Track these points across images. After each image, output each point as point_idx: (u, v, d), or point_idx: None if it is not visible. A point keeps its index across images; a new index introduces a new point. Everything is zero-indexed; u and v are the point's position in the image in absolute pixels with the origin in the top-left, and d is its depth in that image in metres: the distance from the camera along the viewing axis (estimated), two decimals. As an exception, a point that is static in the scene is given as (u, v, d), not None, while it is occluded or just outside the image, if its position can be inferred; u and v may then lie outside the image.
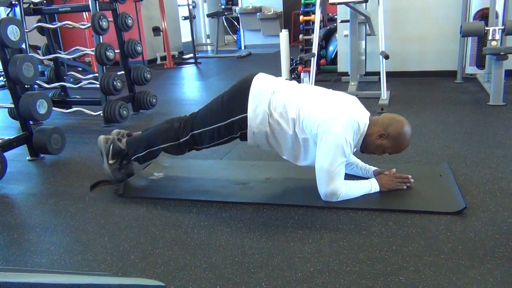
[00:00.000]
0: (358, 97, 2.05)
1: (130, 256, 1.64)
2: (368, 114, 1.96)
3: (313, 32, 4.70)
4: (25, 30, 3.60)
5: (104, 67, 3.59)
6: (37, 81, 3.83)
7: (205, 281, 1.46)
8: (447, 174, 2.16)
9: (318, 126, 1.84)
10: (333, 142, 1.81)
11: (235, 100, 2.00)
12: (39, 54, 4.04)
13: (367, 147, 1.96)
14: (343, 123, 1.82)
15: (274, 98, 1.94)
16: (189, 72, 6.73)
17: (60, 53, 4.00)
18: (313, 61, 3.97)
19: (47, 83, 4.06)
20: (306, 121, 1.87)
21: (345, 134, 1.81)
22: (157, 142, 2.17)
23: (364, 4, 3.83)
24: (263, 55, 8.03)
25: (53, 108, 3.02)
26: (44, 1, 3.85)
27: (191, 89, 5.35)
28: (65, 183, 2.42)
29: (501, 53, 3.43)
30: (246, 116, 1.95)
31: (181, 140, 2.11)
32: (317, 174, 1.90)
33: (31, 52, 3.86)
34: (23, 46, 3.56)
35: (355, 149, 2.01)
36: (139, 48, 3.89)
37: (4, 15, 3.81)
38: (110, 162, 2.26)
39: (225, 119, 2.00)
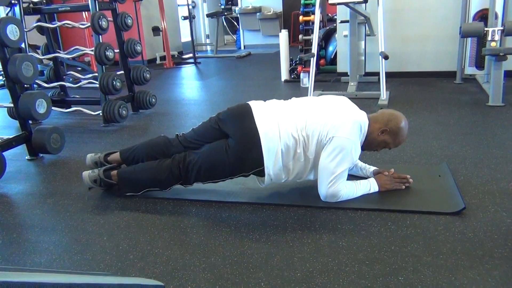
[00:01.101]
0: (357, 98, 2.07)
1: (129, 256, 1.64)
2: (365, 113, 1.98)
3: (312, 33, 4.70)
4: (25, 30, 3.60)
5: (103, 66, 3.58)
6: (36, 81, 3.82)
7: (204, 281, 1.46)
8: (446, 175, 2.16)
9: (327, 134, 1.84)
10: (342, 147, 1.84)
11: (247, 159, 1.91)
12: (38, 54, 4.04)
13: (369, 145, 1.99)
14: (349, 128, 1.85)
15: (283, 136, 1.88)
16: (188, 72, 6.73)
17: (59, 53, 3.99)
18: (313, 61, 3.97)
19: (47, 83, 4.05)
20: (314, 139, 1.87)
21: (354, 140, 1.86)
22: (157, 186, 2.07)
23: (363, 4, 3.83)
24: (262, 55, 8.03)
25: (53, 108, 3.02)
26: (44, 1, 3.85)
27: (190, 89, 5.35)
28: (64, 182, 2.42)
29: (501, 54, 3.44)
30: (262, 168, 1.90)
31: (185, 186, 2.05)
32: (319, 174, 1.90)
33: (30, 52, 3.85)
34: (23, 45, 3.55)
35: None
36: (138, 48, 3.89)
37: (3, 15, 3.80)
38: (104, 189, 2.22)
39: (237, 174, 1.96)
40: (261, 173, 1.93)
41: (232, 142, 1.92)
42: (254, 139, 1.87)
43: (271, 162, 1.89)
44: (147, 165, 2.11)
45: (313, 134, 1.87)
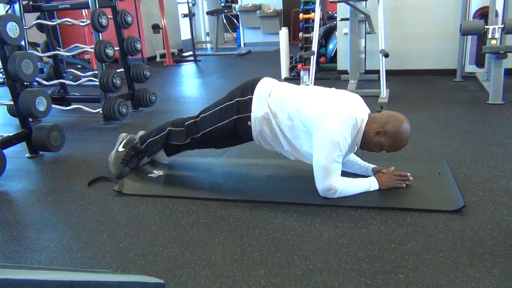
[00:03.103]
0: (357, 95, 2.06)
1: (129, 254, 1.64)
2: (368, 110, 1.97)
3: (312, 30, 4.70)
4: (24, 27, 3.59)
5: (103, 64, 3.58)
6: (36, 78, 3.80)
7: (204, 279, 1.46)
8: (446, 173, 2.16)
9: (314, 120, 1.86)
10: (328, 138, 1.82)
11: (242, 88, 2.10)
12: (38, 51, 4.04)
13: (365, 144, 1.96)
14: (339, 118, 1.83)
15: (274, 90, 2.04)
16: (188, 69, 6.73)
17: (59, 50, 3.99)
18: (313, 59, 3.97)
19: (47, 80, 4.05)
20: (303, 116, 1.91)
21: (341, 129, 1.82)
22: (165, 126, 2.31)
23: (364, 2, 3.83)
24: (262, 53, 8.02)
25: (53, 105, 3.02)
26: (43, -2, 3.84)
27: (190, 87, 5.35)
28: (65, 180, 2.42)
29: (501, 52, 3.43)
30: (251, 98, 2.04)
31: (185, 123, 2.22)
32: (314, 170, 1.92)
33: (30, 49, 3.85)
34: (22, 43, 3.54)
35: (356, 147, 2.01)
36: (138, 45, 3.88)
37: (3, 12, 3.79)
38: (120, 149, 2.36)
39: (229, 100, 2.10)
40: (248, 106, 2.03)
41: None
42: (253, 81, 2.11)
43: (260, 96, 2.02)
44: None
45: (303, 113, 1.92)
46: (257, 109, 2.02)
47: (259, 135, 2.06)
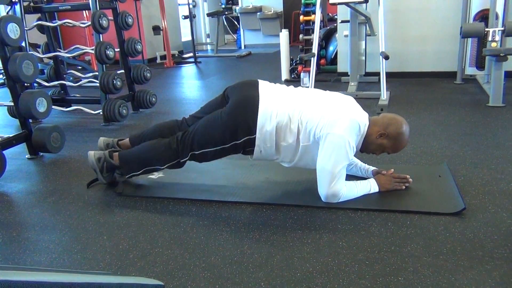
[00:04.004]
0: (357, 98, 2.06)
1: (129, 255, 1.64)
2: (367, 114, 1.97)
3: (313, 32, 4.69)
4: (25, 28, 3.59)
5: (104, 65, 3.58)
6: (36, 80, 3.81)
7: (204, 281, 1.46)
8: (446, 175, 2.16)
9: (322, 129, 1.84)
10: (336, 144, 1.82)
11: (240, 123, 1.91)
12: (39, 53, 4.04)
13: (367, 147, 1.97)
14: (345, 126, 1.83)
15: (279, 114, 1.89)
16: (189, 71, 6.73)
17: (60, 52, 3.99)
18: (313, 61, 3.97)
19: (47, 82, 4.05)
20: (309, 127, 1.87)
21: (348, 137, 1.83)
22: (155, 163, 2.08)
23: (364, 4, 3.83)
24: (263, 55, 8.03)
25: (53, 107, 3.02)
26: (44, 0, 3.85)
27: (190, 88, 5.35)
28: (64, 181, 2.42)
29: (501, 54, 3.44)
30: (254, 137, 1.91)
31: (180, 161, 2.04)
32: (318, 175, 1.90)
33: (31, 50, 3.86)
34: (23, 44, 3.55)
35: (356, 150, 2.01)
36: (139, 47, 3.88)
37: (4, 13, 3.80)
38: (105, 175, 2.22)
39: (228, 141, 1.95)
40: (252, 145, 1.93)
41: (228, 106, 1.96)
42: (252, 105, 1.90)
43: (264, 134, 1.89)
44: (147, 143, 2.13)
45: (308, 123, 1.87)
46: (262, 146, 1.93)
47: (261, 158, 2.03)
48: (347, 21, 4.32)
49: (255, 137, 1.90)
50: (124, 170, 2.17)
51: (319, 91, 2.08)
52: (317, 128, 1.85)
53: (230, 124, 1.93)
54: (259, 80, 2.07)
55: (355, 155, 2.19)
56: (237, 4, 9.40)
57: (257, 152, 1.95)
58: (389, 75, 4.10)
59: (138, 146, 2.17)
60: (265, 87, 2.00)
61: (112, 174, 2.25)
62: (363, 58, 4.76)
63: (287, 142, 1.91)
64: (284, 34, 5.13)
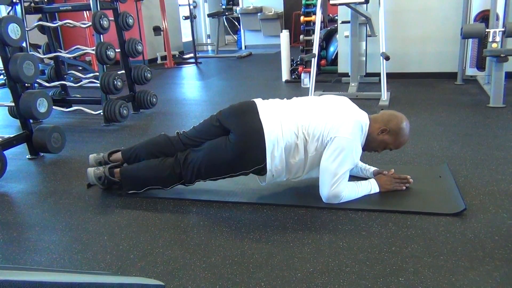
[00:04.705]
0: (358, 98, 2.07)
1: (129, 255, 1.64)
2: (366, 113, 1.98)
3: (313, 33, 4.70)
4: (26, 29, 3.60)
5: (104, 66, 3.58)
6: (37, 80, 3.82)
7: (204, 281, 1.46)
8: (446, 176, 2.16)
9: (328, 134, 1.84)
10: (343, 148, 1.83)
11: (248, 156, 1.90)
12: (39, 53, 4.04)
13: (369, 145, 1.98)
14: (351, 128, 1.84)
15: (285, 134, 1.87)
16: (189, 72, 6.73)
17: (60, 52, 4.00)
18: (314, 61, 3.97)
19: (48, 82, 4.06)
20: (315, 137, 1.87)
21: (355, 141, 1.85)
22: (159, 184, 2.07)
23: (364, 5, 3.83)
24: (263, 56, 8.03)
25: (53, 107, 3.02)
26: (45, 0, 3.85)
27: (191, 89, 5.36)
28: (65, 182, 2.42)
29: (502, 55, 3.44)
30: (263, 165, 1.89)
31: (186, 184, 2.04)
32: (321, 175, 1.90)
33: (31, 51, 3.86)
34: (24, 44, 3.56)
35: None
36: (139, 47, 3.89)
37: (5, 14, 3.81)
38: (106, 187, 2.21)
39: (237, 170, 1.94)
40: (262, 171, 1.93)
41: (233, 138, 1.91)
42: (258, 135, 1.86)
43: (273, 159, 1.88)
44: (149, 163, 2.11)
45: (314, 133, 1.87)
46: (274, 170, 1.92)
47: (273, 180, 2.02)
48: (348, 22, 4.32)
49: (265, 165, 1.89)
50: (126, 187, 2.14)
51: (314, 98, 2.08)
52: (324, 134, 1.85)
53: (237, 157, 1.91)
54: (255, 100, 2.01)
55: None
56: (237, 4, 9.40)
57: (269, 176, 1.95)
58: (389, 75, 4.10)
59: (139, 165, 2.13)
60: (264, 110, 1.93)
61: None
62: (364, 58, 4.76)
63: (295, 158, 1.91)
64: (284, 35, 5.13)
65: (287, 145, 1.88)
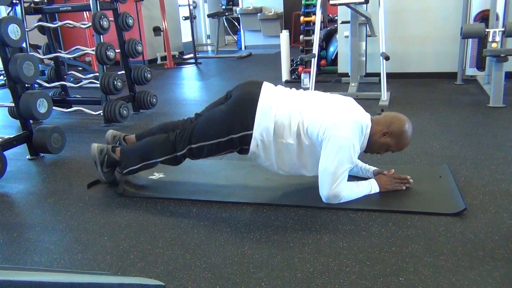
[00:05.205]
0: (358, 98, 2.06)
1: (129, 256, 1.64)
2: (369, 115, 1.97)
3: (313, 33, 4.70)
4: (26, 29, 3.60)
5: (104, 66, 3.59)
6: (37, 80, 3.82)
7: (204, 281, 1.46)
8: (447, 176, 2.16)
9: (325, 131, 1.83)
10: (341, 146, 1.82)
11: (239, 116, 1.93)
12: (39, 53, 4.04)
13: (371, 147, 1.97)
14: (350, 128, 1.83)
15: (279, 111, 1.91)
16: (189, 72, 6.74)
17: (60, 53, 4.00)
18: (314, 62, 3.97)
19: (48, 82, 4.06)
20: (311, 128, 1.87)
21: (352, 139, 1.83)
22: (153, 156, 2.08)
23: (364, 5, 3.83)
24: (263, 56, 8.03)
25: (53, 108, 3.02)
26: (45, 0, 3.85)
27: (191, 89, 5.36)
28: (65, 182, 2.42)
29: (502, 55, 3.44)
30: (251, 133, 1.91)
31: (177, 154, 2.03)
32: (320, 176, 1.89)
33: (31, 51, 3.86)
34: (24, 45, 3.56)
35: (360, 151, 2.01)
36: (139, 47, 3.89)
37: (5, 14, 3.81)
38: (105, 170, 2.23)
39: (225, 135, 1.94)
40: (248, 140, 1.92)
41: (230, 99, 1.99)
42: (251, 102, 1.92)
43: (262, 128, 1.89)
44: (148, 138, 2.17)
45: (310, 125, 1.87)
46: (260, 139, 1.92)
47: (257, 157, 2.02)
48: (348, 22, 4.32)
49: (252, 133, 1.90)
50: (123, 164, 2.17)
51: (320, 93, 2.08)
52: (320, 131, 1.84)
53: (228, 117, 1.94)
54: (264, 82, 2.07)
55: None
56: (237, 5, 9.41)
57: (253, 146, 1.93)
58: (389, 75, 4.10)
59: (140, 141, 2.22)
60: (268, 87, 2.02)
61: (112, 172, 2.25)
62: (364, 58, 4.76)
63: (286, 140, 1.90)
64: (284, 35, 5.13)
65: (279, 123, 1.89)
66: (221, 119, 1.96)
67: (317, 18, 4.01)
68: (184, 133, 2.02)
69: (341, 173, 1.84)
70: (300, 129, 1.89)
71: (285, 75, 5.22)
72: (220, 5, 9.85)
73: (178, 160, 2.07)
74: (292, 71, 5.30)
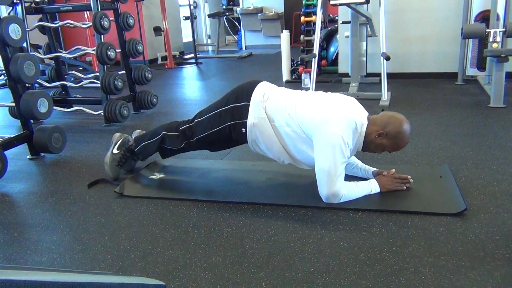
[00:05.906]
0: (358, 98, 2.06)
1: (130, 255, 1.64)
2: (367, 113, 1.96)
3: (314, 33, 4.70)
4: (27, 29, 3.60)
5: (105, 66, 3.59)
6: (38, 80, 3.83)
7: (205, 281, 1.46)
8: (447, 176, 2.16)
9: (315, 128, 1.84)
10: (331, 143, 1.81)
11: (238, 92, 2.07)
12: (40, 53, 4.04)
13: (368, 146, 1.96)
14: (339, 123, 1.82)
15: (274, 97, 2.01)
16: (189, 72, 6.74)
17: (61, 52, 4.00)
18: (314, 62, 3.97)
19: (48, 82, 4.06)
20: (302, 121, 1.90)
21: (342, 134, 1.81)
22: (159, 130, 2.30)
23: (365, 5, 3.83)
24: (264, 56, 8.03)
25: (54, 107, 3.02)
26: (46, 0, 3.85)
27: (191, 89, 5.36)
28: (66, 182, 2.42)
29: (502, 55, 3.44)
30: (248, 104, 2.00)
31: (180, 128, 2.21)
32: (317, 176, 1.89)
33: (32, 51, 3.86)
34: (24, 45, 3.56)
35: (356, 149, 2.01)
36: (140, 47, 3.89)
37: (5, 14, 3.81)
38: (115, 152, 2.35)
39: (224, 105, 2.07)
40: (245, 111, 2.01)
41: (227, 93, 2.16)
42: (250, 84, 2.08)
43: (256, 111, 1.99)
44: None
45: (300, 119, 1.91)
46: (254, 116, 1.99)
47: (254, 142, 2.05)
48: (348, 22, 4.32)
49: (248, 104, 2.01)
50: (136, 142, 2.38)
51: (321, 92, 2.08)
52: (309, 126, 1.87)
53: (228, 94, 2.12)
54: (262, 81, 2.15)
55: (356, 155, 2.20)
56: (238, 5, 9.41)
57: (249, 126, 2.01)
58: (390, 76, 4.10)
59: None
60: (264, 84, 2.10)
61: (118, 162, 2.35)
62: (364, 59, 4.76)
63: (278, 123, 1.96)
64: (285, 35, 5.13)
65: (271, 105, 1.98)
66: (222, 97, 2.14)
67: (318, 18, 4.01)
68: (193, 121, 2.20)
69: (336, 170, 1.84)
70: (292, 122, 1.92)
71: (285, 75, 5.22)
72: (221, 5, 9.85)
73: (179, 138, 2.22)
74: (293, 71, 5.30)
